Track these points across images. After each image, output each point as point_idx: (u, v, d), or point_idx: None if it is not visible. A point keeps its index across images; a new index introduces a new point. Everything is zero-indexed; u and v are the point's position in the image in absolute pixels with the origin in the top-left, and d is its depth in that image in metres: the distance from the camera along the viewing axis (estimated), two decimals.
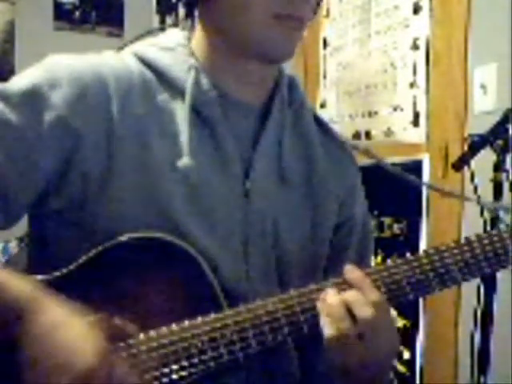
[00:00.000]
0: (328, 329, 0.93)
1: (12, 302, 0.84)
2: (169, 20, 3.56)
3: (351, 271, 0.97)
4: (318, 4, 1.07)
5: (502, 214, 1.52)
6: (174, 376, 0.92)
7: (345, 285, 0.97)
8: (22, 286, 0.86)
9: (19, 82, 0.98)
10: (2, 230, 0.99)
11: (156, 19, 3.60)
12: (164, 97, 1.03)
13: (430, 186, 2.30)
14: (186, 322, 0.93)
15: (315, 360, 1.13)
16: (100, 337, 0.84)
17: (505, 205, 1.55)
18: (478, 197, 1.58)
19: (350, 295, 0.94)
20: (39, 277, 0.94)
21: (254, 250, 1.04)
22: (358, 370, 0.94)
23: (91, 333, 0.84)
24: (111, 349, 0.86)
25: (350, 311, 0.93)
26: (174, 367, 0.92)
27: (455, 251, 0.99)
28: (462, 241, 1.01)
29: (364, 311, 0.93)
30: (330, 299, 0.94)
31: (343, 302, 0.94)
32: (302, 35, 1.02)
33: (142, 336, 0.93)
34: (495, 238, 1.01)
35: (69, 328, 0.84)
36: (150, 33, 1.11)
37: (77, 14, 3.48)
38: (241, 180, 1.04)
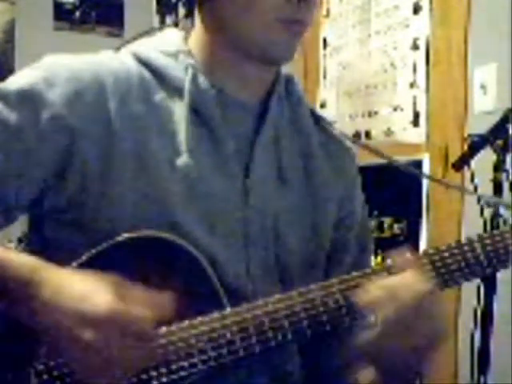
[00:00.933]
0: (375, 313, 0.92)
1: (16, 274, 0.86)
2: (169, 20, 3.56)
3: (398, 256, 0.97)
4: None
5: (502, 210, 1.52)
6: (174, 376, 0.92)
7: (370, 275, 0.96)
8: (23, 259, 0.89)
9: (17, 81, 0.98)
10: (0, 230, 0.99)
11: (156, 19, 3.60)
12: (162, 96, 1.03)
13: (429, 177, 2.30)
14: (186, 322, 0.93)
15: (322, 359, 1.13)
16: (107, 285, 0.86)
17: (505, 200, 1.55)
18: (479, 197, 1.58)
19: (395, 280, 0.93)
20: None
21: (254, 248, 1.04)
22: (397, 357, 0.93)
23: (98, 282, 0.85)
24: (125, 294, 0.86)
25: (392, 296, 0.92)
26: (174, 367, 0.92)
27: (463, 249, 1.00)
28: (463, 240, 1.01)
29: (406, 295, 0.91)
30: (372, 285, 0.93)
31: (385, 287, 0.93)
32: (300, 40, 1.03)
33: None
34: (496, 238, 1.00)
35: (75, 283, 0.86)
36: (148, 33, 1.11)
37: (77, 14, 3.48)
38: (240, 178, 1.04)
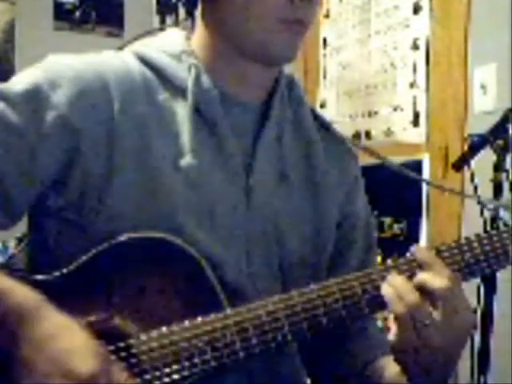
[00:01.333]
0: (396, 305, 0.92)
1: (14, 307, 0.83)
2: (169, 20, 3.56)
3: (420, 251, 0.97)
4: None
5: (502, 211, 1.52)
6: (176, 376, 0.92)
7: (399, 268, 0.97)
8: (25, 294, 0.86)
9: (20, 82, 0.98)
10: (2, 230, 0.99)
11: (156, 19, 3.60)
12: (165, 96, 1.03)
13: (429, 183, 2.31)
14: (187, 322, 0.93)
15: (328, 369, 1.14)
16: (99, 344, 0.84)
17: (505, 202, 1.55)
18: (478, 197, 1.58)
19: (422, 274, 0.95)
20: (39, 277, 0.94)
21: (256, 247, 1.04)
22: (435, 351, 0.93)
23: (90, 339, 0.83)
24: (110, 355, 0.85)
25: (421, 288, 0.93)
26: (175, 367, 0.92)
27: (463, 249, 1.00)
28: (463, 240, 1.01)
29: (437, 282, 0.92)
30: (396, 280, 0.94)
31: (412, 281, 0.94)
32: (303, 38, 1.03)
33: (142, 336, 0.93)
34: (495, 238, 1.01)
35: (68, 335, 0.83)
36: (150, 33, 1.11)
37: (77, 14, 3.48)
38: (242, 178, 1.04)
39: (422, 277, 0.95)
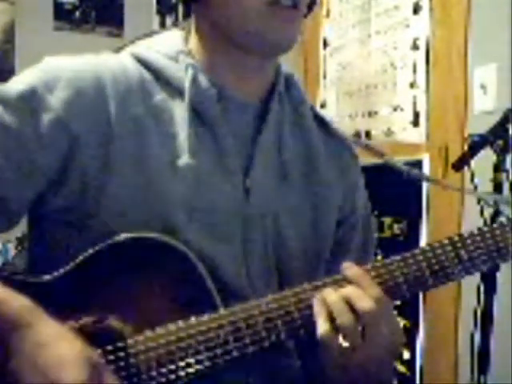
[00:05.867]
0: (323, 325, 0.92)
1: (6, 318, 0.83)
2: (169, 20, 3.56)
3: (349, 268, 0.97)
4: None
5: (502, 207, 1.52)
6: (172, 376, 0.92)
7: (343, 282, 0.96)
8: (18, 302, 0.85)
9: (16, 84, 0.98)
10: (1, 233, 0.99)
11: (156, 19, 3.60)
12: (162, 96, 1.03)
13: (429, 179, 2.30)
14: (180, 323, 0.93)
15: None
16: (91, 352, 0.83)
17: (505, 197, 1.55)
18: (478, 192, 1.58)
19: (349, 290, 0.94)
20: (36, 279, 0.94)
21: (254, 248, 1.04)
22: (358, 369, 0.93)
23: (81, 348, 0.83)
24: (103, 362, 0.85)
25: (350, 306, 0.93)
26: (171, 367, 0.92)
27: (448, 248, 1.00)
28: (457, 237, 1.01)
29: (365, 304, 0.92)
30: (328, 296, 0.94)
31: (342, 297, 0.94)
32: (300, 23, 1.01)
33: (138, 336, 0.93)
34: (496, 232, 1.01)
35: (58, 345, 0.82)
36: (149, 35, 1.11)
37: (77, 14, 3.48)
38: (241, 178, 1.04)
39: (350, 293, 0.94)
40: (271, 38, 1.00)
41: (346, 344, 0.92)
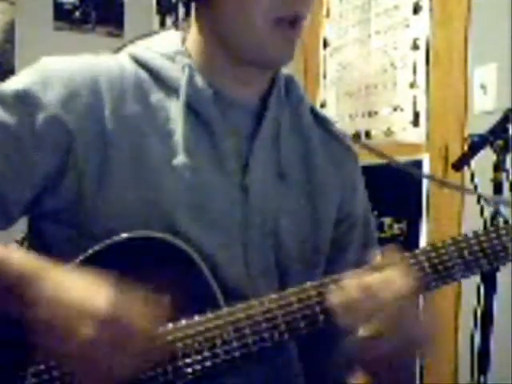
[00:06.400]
0: (346, 312, 0.91)
1: (16, 273, 0.86)
2: (169, 20, 3.56)
3: (388, 253, 0.96)
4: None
5: (502, 208, 1.52)
6: (172, 375, 0.92)
7: (367, 271, 0.95)
8: (24, 257, 0.89)
9: (13, 84, 0.99)
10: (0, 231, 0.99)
11: (156, 19, 3.59)
12: (158, 96, 1.03)
13: (429, 177, 2.31)
14: (182, 322, 0.93)
15: (320, 359, 1.13)
16: (109, 285, 0.85)
17: (505, 198, 1.55)
18: (479, 196, 1.58)
19: (374, 278, 0.92)
20: None
21: (254, 247, 1.04)
22: (380, 362, 0.92)
23: (99, 282, 0.85)
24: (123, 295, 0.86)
25: (373, 294, 0.91)
26: (170, 367, 0.92)
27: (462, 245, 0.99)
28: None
29: (388, 292, 0.91)
30: (350, 282, 0.93)
31: (365, 284, 0.92)
32: (299, 39, 1.02)
33: None
34: (500, 232, 1.00)
35: (77, 281, 0.86)
36: (148, 35, 1.11)
37: (77, 14, 3.48)
38: (238, 177, 1.04)
39: (369, 281, 0.92)
40: (272, 54, 1.01)
41: (369, 331, 0.90)
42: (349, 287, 0.92)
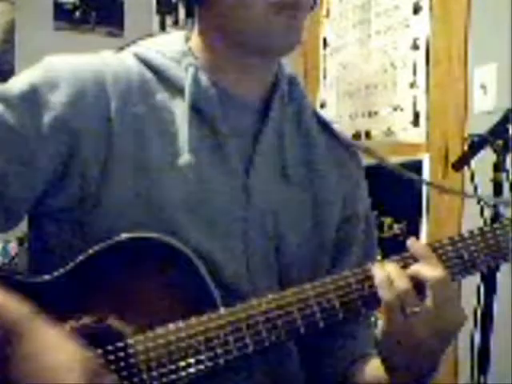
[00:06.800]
0: (386, 290, 0.93)
1: (4, 323, 0.82)
2: (169, 20, 3.56)
3: (416, 244, 0.98)
4: None
5: (502, 209, 1.52)
6: (172, 376, 0.92)
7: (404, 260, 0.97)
8: (15, 307, 0.85)
9: (18, 83, 0.98)
10: (2, 233, 0.99)
11: (156, 19, 3.59)
12: (163, 96, 1.03)
13: (429, 184, 2.31)
14: (181, 323, 0.93)
15: (322, 360, 1.13)
16: (89, 356, 0.83)
17: (505, 199, 1.55)
18: (478, 196, 1.58)
19: (416, 265, 0.95)
20: (35, 279, 0.94)
21: (255, 247, 1.04)
22: (415, 347, 0.94)
23: (79, 353, 0.82)
24: (102, 366, 0.85)
25: (415, 283, 0.94)
26: (172, 367, 0.92)
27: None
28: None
29: (431, 273, 0.93)
30: (390, 266, 0.95)
31: (409, 273, 0.94)
32: (303, 24, 1.01)
33: (138, 336, 0.93)
34: (498, 231, 1.01)
35: (59, 349, 0.82)
36: (150, 36, 1.11)
37: (77, 13, 3.48)
38: (241, 177, 1.04)
39: (416, 267, 0.95)
40: (275, 41, 1.01)
41: (407, 311, 0.92)
42: (390, 266, 0.95)
